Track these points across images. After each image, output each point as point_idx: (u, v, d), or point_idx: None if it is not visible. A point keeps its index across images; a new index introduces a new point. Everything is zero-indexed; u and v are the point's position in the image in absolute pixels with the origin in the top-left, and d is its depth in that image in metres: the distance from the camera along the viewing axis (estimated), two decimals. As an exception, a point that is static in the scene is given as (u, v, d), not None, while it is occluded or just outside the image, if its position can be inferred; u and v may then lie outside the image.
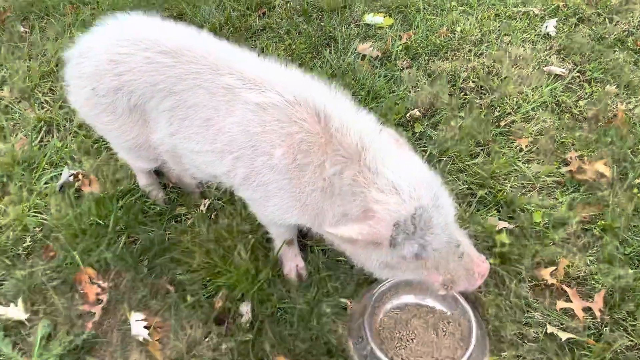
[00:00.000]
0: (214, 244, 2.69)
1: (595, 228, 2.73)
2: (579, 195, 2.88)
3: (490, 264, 2.56)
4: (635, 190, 2.87)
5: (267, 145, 1.93)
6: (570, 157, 3.04)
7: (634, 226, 2.73)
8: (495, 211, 2.82)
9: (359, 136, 1.81)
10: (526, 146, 3.12)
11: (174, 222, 2.85)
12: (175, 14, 4.39)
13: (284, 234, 2.49)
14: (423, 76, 3.61)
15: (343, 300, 2.51)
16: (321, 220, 2.00)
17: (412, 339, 2.32)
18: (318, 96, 1.94)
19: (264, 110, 1.93)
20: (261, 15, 4.34)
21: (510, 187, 2.92)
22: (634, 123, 3.19)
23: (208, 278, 2.57)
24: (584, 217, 2.77)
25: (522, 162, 3.05)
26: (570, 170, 2.98)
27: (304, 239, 2.74)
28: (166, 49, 2.07)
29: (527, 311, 2.45)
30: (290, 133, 1.90)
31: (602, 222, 2.73)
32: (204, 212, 2.86)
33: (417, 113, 3.32)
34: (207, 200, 2.91)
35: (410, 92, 3.47)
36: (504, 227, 2.72)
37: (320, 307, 2.46)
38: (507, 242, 2.64)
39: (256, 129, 1.95)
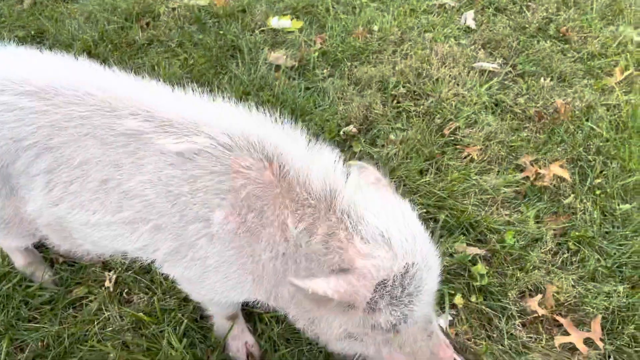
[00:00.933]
0: (132, 333, 2.06)
1: (569, 241, 2.46)
2: (543, 205, 2.60)
3: (473, 302, 2.20)
4: (598, 191, 2.65)
5: (200, 208, 1.43)
6: (524, 162, 2.77)
7: (607, 233, 2.50)
8: (462, 235, 2.46)
9: (325, 177, 1.39)
10: (477, 155, 2.80)
11: (71, 310, 2.15)
12: (33, 34, 3.56)
13: (225, 310, 1.93)
14: (349, 85, 3.17)
15: (312, 381, 2.00)
16: (280, 293, 1.52)
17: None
18: (262, 133, 1.44)
19: (190, 162, 1.42)
20: (144, 26, 3.65)
21: (471, 204, 2.56)
22: (576, 117, 3.00)
23: (131, 383, 1.93)
24: (555, 230, 2.49)
25: (477, 174, 2.72)
26: (528, 177, 2.70)
27: (248, 307, 2.18)
28: (33, 89, 1.48)
29: (525, 353, 2.10)
30: (233, 188, 1.39)
31: (575, 233, 2.47)
32: (111, 289, 2.19)
33: (353, 129, 2.88)
34: (112, 273, 2.24)
35: (339, 106, 3.01)
36: (477, 254, 2.36)
37: (287, 398, 1.93)
38: (485, 273, 2.28)
39: (182, 188, 1.42)
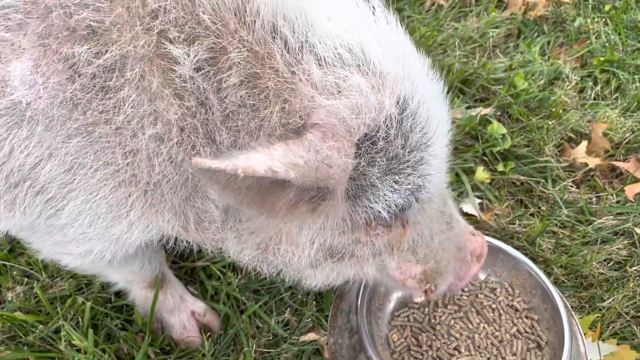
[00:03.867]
0: (10, 345, 1.29)
1: (594, 70, 1.83)
2: (547, 38, 1.96)
3: (500, 173, 1.55)
4: (607, 6, 2.02)
5: None
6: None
7: (636, 50, 1.89)
8: (456, 98, 1.78)
9: None
10: (444, 0, 2.11)
11: None
12: None
13: (138, 272, 1.19)
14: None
15: (308, 337, 1.30)
16: (202, 211, 0.86)
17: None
18: None
19: None
20: None
21: (457, 59, 1.88)
22: None
23: None
24: (573, 62, 1.86)
25: (452, 22, 2.04)
26: (514, 13, 2.05)
27: (183, 261, 1.44)
28: None
29: (591, 221, 1.47)
30: (34, 10, 0.71)
31: (600, 59, 1.84)
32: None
33: None
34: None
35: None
36: (485, 115, 1.69)
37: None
38: (505, 133, 1.62)
39: None
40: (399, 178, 0.77)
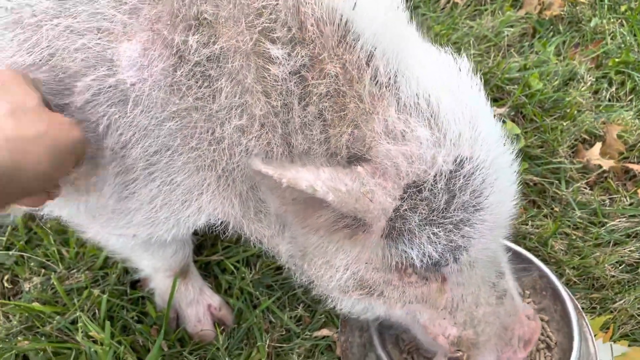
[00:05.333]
0: (28, 336, 1.31)
1: (610, 71, 1.83)
2: (562, 38, 1.95)
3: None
4: (623, 7, 2.02)
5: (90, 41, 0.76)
6: (523, -6, 2.11)
7: (651, 52, 1.89)
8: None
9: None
10: (460, -1, 2.12)
11: None
12: None
13: (169, 260, 1.22)
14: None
15: (321, 333, 1.31)
16: (262, 202, 0.88)
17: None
18: None
19: None
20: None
21: (472, 58, 1.89)
22: None
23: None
24: (589, 62, 1.86)
25: (467, 20, 2.04)
26: (529, 12, 2.05)
27: (198, 255, 1.47)
28: None
29: (604, 223, 1.48)
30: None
31: (615, 60, 1.84)
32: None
33: None
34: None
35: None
36: (499, 114, 1.70)
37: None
38: (519, 133, 1.63)
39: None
40: (438, 231, 0.79)
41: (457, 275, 0.87)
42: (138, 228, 0.93)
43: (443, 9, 2.13)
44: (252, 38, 0.72)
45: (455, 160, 0.75)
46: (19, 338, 1.29)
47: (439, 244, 0.79)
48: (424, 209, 0.76)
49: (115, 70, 0.74)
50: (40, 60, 0.75)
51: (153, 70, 0.74)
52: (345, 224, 0.80)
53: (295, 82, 0.73)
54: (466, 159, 0.76)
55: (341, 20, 0.72)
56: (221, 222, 0.92)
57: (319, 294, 0.98)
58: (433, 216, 0.77)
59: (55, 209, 1.00)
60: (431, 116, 0.75)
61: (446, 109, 0.75)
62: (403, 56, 0.76)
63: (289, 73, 0.73)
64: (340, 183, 0.73)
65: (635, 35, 1.97)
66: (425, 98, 0.75)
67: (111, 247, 1.12)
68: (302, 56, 0.72)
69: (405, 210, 0.76)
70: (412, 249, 0.79)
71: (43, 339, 1.29)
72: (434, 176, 0.74)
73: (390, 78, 0.75)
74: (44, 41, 0.75)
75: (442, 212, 0.77)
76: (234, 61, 0.73)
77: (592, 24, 1.97)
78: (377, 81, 0.74)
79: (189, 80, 0.75)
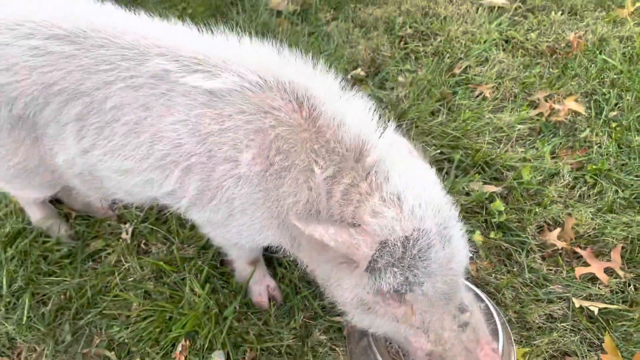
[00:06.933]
0: (153, 282, 2.05)
1: (586, 174, 2.43)
2: (559, 140, 2.56)
3: (492, 238, 2.19)
4: (614, 124, 2.60)
5: (229, 149, 1.39)
6: (538, 98, 2.71)
7: (623, 165, 2.47)
8: (477, 174, 2.43)
9: (358, 127, 1.33)
10: (490, 93, 2.74)
11: (91, 263, 2.14)
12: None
13: (247, 255, 1.91)
14: (354, 27, 3.08)
15: (336, 319, 2.00)
16: (301, 241, 1.50)
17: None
18: (293, 74, 1.38)
19: (220, 99, 1.37)
20: (138, -23, 3.51)
21: (486, 143, 2.52)
22: (589, 51, 2.92)
23: (157, 329, 1.92)
24: (572, 164, 2.46)
25: (490, 112, 2.67)
26: (542, 113, 2.66)
27: (268, 252, 2.17)
28: (62, 32, 1.43)
29: (545, 285, 2.11)
30: (262, 128, 1.36)
31: (592, 167, 2.44)
32: (129, 241, 2.17)
33: (361, 73, 2.81)
34: (128, 224, 2.22)
35: (345, 49, 2.93)
36: (493, 192, 2.34)
37: (312, 337, 1.93)
38: (503, 209, 2.26)
39: (211, 127, 1.39)
40: (397, 270, 1.24)
41: (420, 303, 1.31)
42: (232, 236, 1.61)
43: (477, 97, 2.76)
44: (306, 159, 1.32)
45: (410, 231, 1.22)
46: (150, 283, 2.05)
47: (398, 278, 1.24)
48: (386, 256, 1.23)
49: (238, 165, 1.39)
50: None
51: (255, 169, 1.37)
52: (345, 261, 1.32)
53: (324, 183, 1.31)
54: (418, 230, 1.22)
55: (358, 148, 1.30)
56: (278, 246, 1.61)
57: (341, 310, 1.50)
58: (394, 261, 1.23)
59: (190, 212, 1.64)
60: (402, 205, 1.23)
61: (409, 200, 1.23)
62: (391, 169, 1.28)
63: (322, 179, 1.31)
64: (339, 237, 1.24)
65: (619, 146, 2.55)
66: (397, 194, 1.24)
67: (217, 242, 1.84)
68: (331, 171, 1.30)
69: (377, 256, 1.23)
70: (382, 280, 1.26)
71: (165, 286, 2.04)
72: (394, 238, 1.22)
73: (380, 183, 1.26)
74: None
75: (400, 260, 1.23)
76: (295, 169, 1.34)
77: (582, 135, 2.56)
78: (372, 186, 1.26)
79: (271, 176, 1.37)
